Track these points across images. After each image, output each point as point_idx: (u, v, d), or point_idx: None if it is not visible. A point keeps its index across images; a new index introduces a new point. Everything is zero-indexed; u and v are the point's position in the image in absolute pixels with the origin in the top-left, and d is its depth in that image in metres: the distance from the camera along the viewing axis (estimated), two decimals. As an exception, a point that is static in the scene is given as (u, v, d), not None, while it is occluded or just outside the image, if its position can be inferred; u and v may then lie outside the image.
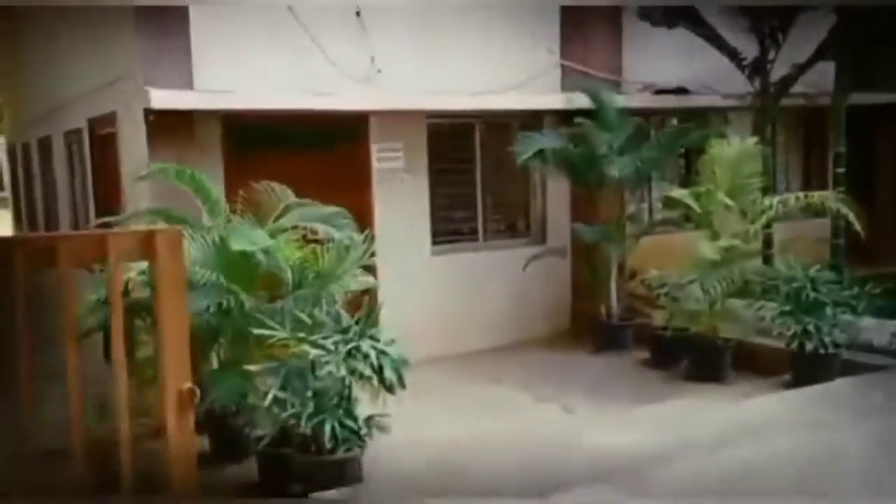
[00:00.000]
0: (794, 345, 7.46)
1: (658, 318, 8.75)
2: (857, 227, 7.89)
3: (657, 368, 8.73)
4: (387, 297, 9.35)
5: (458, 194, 9.98)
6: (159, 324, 2.96)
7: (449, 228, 9.92)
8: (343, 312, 5.28)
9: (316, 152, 8.90)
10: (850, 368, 7.57)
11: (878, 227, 12.21)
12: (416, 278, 9.50)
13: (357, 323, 5.24)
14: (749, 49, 9.73)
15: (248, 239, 5.47)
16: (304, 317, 5.18)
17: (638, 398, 7.75)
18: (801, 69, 9.52)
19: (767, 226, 9.37)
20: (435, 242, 9.74)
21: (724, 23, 9.73)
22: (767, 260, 9.46)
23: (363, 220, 9.13)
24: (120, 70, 8.42)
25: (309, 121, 8.66)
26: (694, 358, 8.35)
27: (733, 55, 9.57)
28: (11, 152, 17.61)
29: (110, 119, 8.89)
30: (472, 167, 10.01)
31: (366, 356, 4.96)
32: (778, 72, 9.84)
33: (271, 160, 8.25)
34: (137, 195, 8.12)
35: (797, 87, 10.03)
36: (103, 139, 9.31)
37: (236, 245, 5.24)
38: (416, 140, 9.48)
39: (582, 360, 9.28)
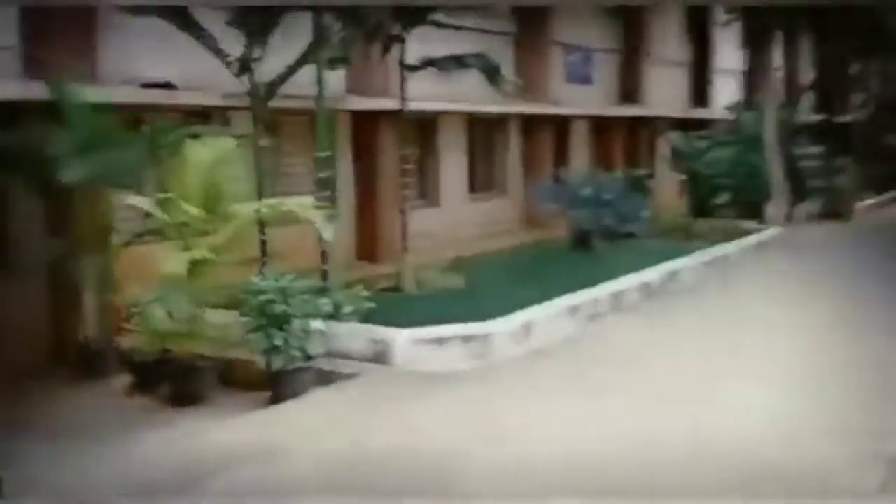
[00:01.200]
0: (265, 361, 7.07)
1: (135, 339, 7.85)
2: (325, 235, 7.72)
3: (139, 396, 7.89)
4: None
5: None
6: None
7: None
8: None
9: None
10: (325, 379, 7.46)
11: (377, 227, 12.70)
12: None
13: None
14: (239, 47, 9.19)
15: None
16: None
17: (108, 433, 6.90)
18: (290, 71, 9.23)
19: (263, 232, 8.96)
20: None
21: (210, 17, 9.06)
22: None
23: None
24: None
25: None
26: (174, 382, 7.61)
27: (217, 52, 8.95)
28: None
29: None
30: None
31: None
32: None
33: None
34: None
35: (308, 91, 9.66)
36: None
37: None
38: None
39: (56, 392, 8.03)
